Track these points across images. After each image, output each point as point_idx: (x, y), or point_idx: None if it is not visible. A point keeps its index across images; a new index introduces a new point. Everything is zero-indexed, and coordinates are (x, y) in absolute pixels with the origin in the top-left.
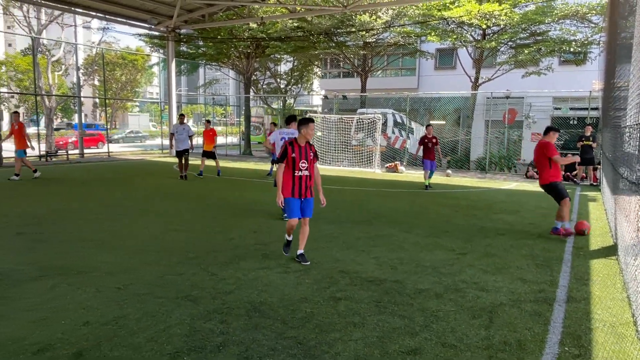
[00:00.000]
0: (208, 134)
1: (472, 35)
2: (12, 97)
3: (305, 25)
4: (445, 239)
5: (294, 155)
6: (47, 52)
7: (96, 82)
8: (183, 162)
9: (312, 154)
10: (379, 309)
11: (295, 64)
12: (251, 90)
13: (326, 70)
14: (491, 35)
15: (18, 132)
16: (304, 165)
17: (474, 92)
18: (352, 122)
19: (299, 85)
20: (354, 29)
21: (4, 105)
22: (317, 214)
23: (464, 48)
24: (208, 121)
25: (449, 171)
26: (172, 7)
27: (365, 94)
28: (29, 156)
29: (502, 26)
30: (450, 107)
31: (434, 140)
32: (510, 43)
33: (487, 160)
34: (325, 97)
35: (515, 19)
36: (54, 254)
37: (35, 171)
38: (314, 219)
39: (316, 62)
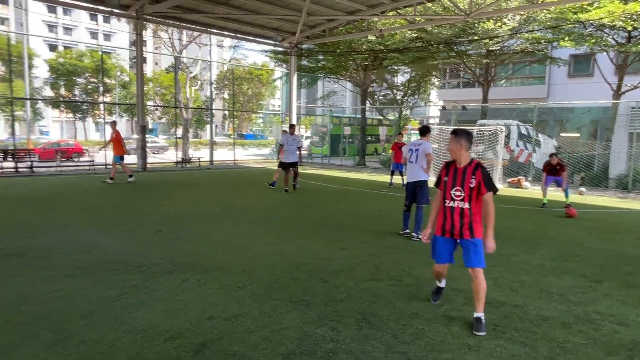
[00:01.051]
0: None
1: (614, 38)
2: (156, 109)
3: (425, 36)
4: (575, 264)
5: (446, 179)
6: (186, 70)
7: (226, 96)
8: (291, 174)
9: (474, 179)
10: (496, 333)
11: (412, 74)
12: (367, 101)
13: (445, 81)
14: (638, 37)
15: (115, 140)
16: (458, 194)
17: (615, 101)
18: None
19: (416, 96)
20: (476, 37)
21: (149, 116)
22: None
23: (604, 53)
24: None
25: (582, 189)
26: (295, 25)
27: (487, 105)
28: (125, 163)
29: None
30: (586, 118)
31: (558, 167)
32: None
33: (631, 178)
34: (443, 108)
35: None
36: (186, 251)
37: (130, 176)
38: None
39: (434, 73)
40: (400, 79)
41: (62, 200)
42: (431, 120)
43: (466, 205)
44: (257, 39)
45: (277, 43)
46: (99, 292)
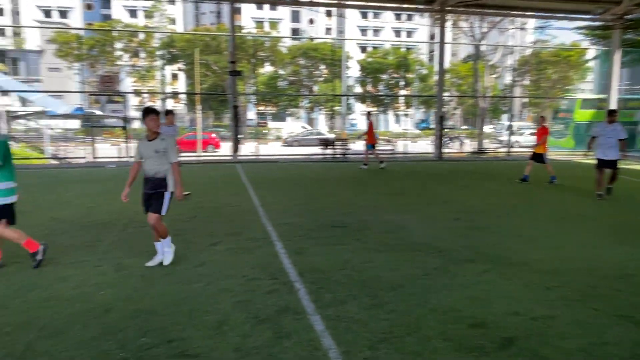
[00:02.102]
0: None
1: None
2: (451, 100)
3: None
4: None
5: None
6: (485, 58)
7: (526, 82)
8: (606, 174)
9: None
10: None
11: None
12: None
13: None
14: None
15: (369, 130)
16: None
17: None
18: None
19: None
20: None
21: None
22: None
23: None
24: (543, 117)
25: None
26: None
27: None
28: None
29: None
30: None
31: None
32: None
33: None
34: None
35: None
36: (486, 242)
37: (381, 162)
38: None
39: None
40: None
41: (369, 183)
42: None
43: None
44: (569, 15)
45: (596, 17)
46: (405, 269)
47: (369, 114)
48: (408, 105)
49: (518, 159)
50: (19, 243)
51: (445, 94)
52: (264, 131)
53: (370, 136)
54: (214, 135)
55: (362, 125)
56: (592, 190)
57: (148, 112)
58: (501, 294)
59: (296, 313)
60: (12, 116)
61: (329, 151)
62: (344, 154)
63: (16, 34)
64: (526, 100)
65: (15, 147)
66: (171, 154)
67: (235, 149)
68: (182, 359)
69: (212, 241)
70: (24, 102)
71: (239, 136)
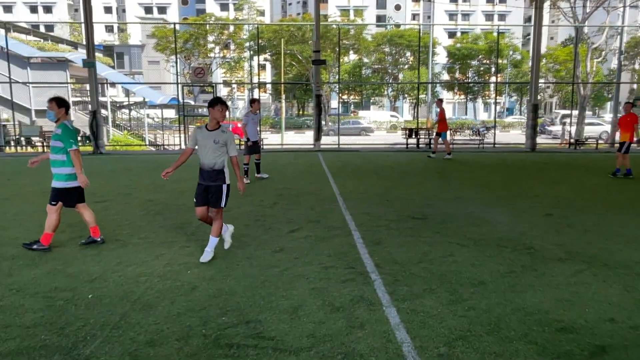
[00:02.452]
0: (624, 121)
1: None
2: (548, 87)
3: None
4: None
5: None
6: (587, 40)
7: (636, 66)
8: None
9: None
10: None
11: None
12: None
13: None
14: None
15: (441, 117)
16: None
17: None
18: None
19: None
20: None
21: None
22: None
23: None
24: (630, 103)
25: None
26: None
27: None
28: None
29: None
30: None
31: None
32: None
33: None
34: None
35: None
36: (581, 240)
37: (449, 153)
38: None
39: None
40: None
41: (453, 175)
42: None
43: None
44: None
45: None
46: (488, 265)
47: (439, 101)
48: (499, 93)
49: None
50: (90, 225)
51: (541, 80)
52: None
53: (443, 124)
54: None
55: (447, 114)
56: None
57: (217, 102)
58: (596, 297)
59: (371, 304)
60: (117, 106)
61: (412, 140)
62: (428, 144)
63: (121, 30)
64: (635, 86)
65: (119, 135)
66: (231, 147)
67: (317, 137)
68: (258, 340)
69: (292, 228)
70: (127, 93)
71: (322, 125)
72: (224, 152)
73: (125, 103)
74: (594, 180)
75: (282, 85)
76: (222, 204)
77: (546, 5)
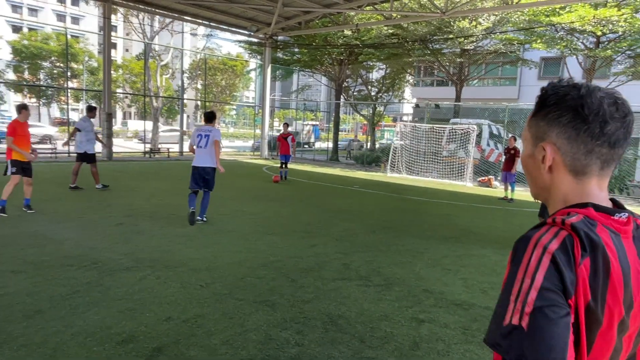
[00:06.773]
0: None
1: (583, 42)
2: (126, 97)
3: (400, 32)
4: None
5: None
6: (157, 57)
7: (199, 86)
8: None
9: None
10: (466, 337)
11: (387, 71)
12: (342, 97)
13: (419, 79)
14: (606, 43)
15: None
16: None
17: None
18: (444, 132)
19: (390, 93)
20: (451, 36)
21: (118, 105)
22: (404, 226)
23: (574, 57)
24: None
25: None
26: (270, 15)
27: (459, 104)
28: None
29: (620, 33)
30: None
31: (513, 152)
32: (629, 52)
33: None
34: (417, 105)
35: (637, 26)
36: (147, 246)
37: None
38: (397, 231)
39: (409, 70)
40: (375, 75)
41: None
42: (404, 118)
43: None
44: (232, 29)
45: (252, 34)
46: (49, 290)
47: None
48: (76, 99)
49: (190, 158)
50: None
51: (118, 90)
52: None
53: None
54: None
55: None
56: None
57: None
58: (157, 300)
59: None
60: None
61: None
62: None
63: None
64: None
65: None
66: None
67: None
68: None
69: None
70: None
71: None
72: None
73: None
74: (164, 186)
75: None
76: None
77: (120, 16)
